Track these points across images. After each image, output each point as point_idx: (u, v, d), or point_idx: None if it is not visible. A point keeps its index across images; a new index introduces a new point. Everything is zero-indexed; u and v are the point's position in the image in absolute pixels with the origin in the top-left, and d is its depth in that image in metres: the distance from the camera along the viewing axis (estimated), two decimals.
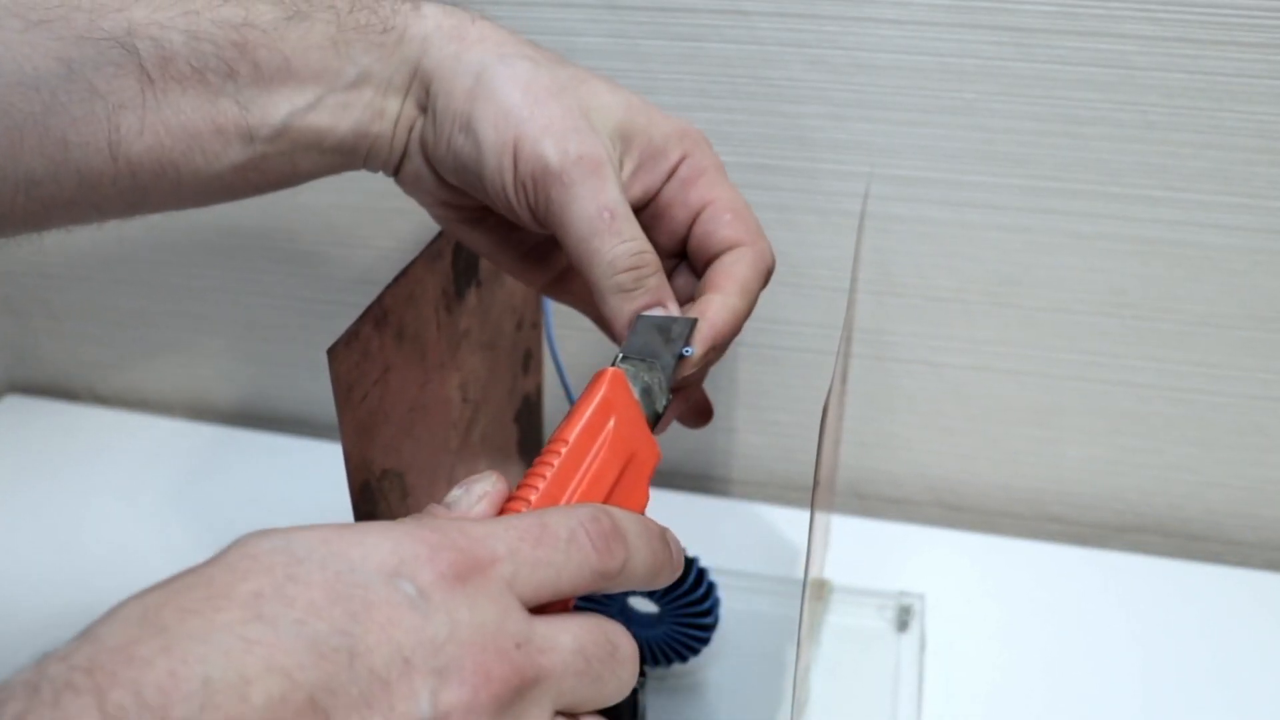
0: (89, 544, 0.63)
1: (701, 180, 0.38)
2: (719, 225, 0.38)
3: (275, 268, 0.70)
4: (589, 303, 0.39)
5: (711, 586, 0.49)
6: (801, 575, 0.59)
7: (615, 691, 0.29)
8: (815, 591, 0.53)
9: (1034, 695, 0.53)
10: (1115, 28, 0.52)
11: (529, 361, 0.57)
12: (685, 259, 0.40)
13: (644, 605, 0.50)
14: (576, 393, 0.35)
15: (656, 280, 0.36)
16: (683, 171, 0.38)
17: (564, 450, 0.32)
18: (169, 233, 0.71)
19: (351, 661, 0.24)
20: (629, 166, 0.37)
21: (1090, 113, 0.54)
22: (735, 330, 0.37)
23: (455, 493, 0.31)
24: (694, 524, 0.48)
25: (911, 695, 0.52)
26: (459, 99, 0.35)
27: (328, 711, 0.23)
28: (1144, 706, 0.53)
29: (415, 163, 0.37)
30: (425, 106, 0.36)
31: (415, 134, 0.37)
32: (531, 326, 0.56)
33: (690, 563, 0.48)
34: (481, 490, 0.31)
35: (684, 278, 0.40)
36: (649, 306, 0.36)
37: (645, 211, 0.38)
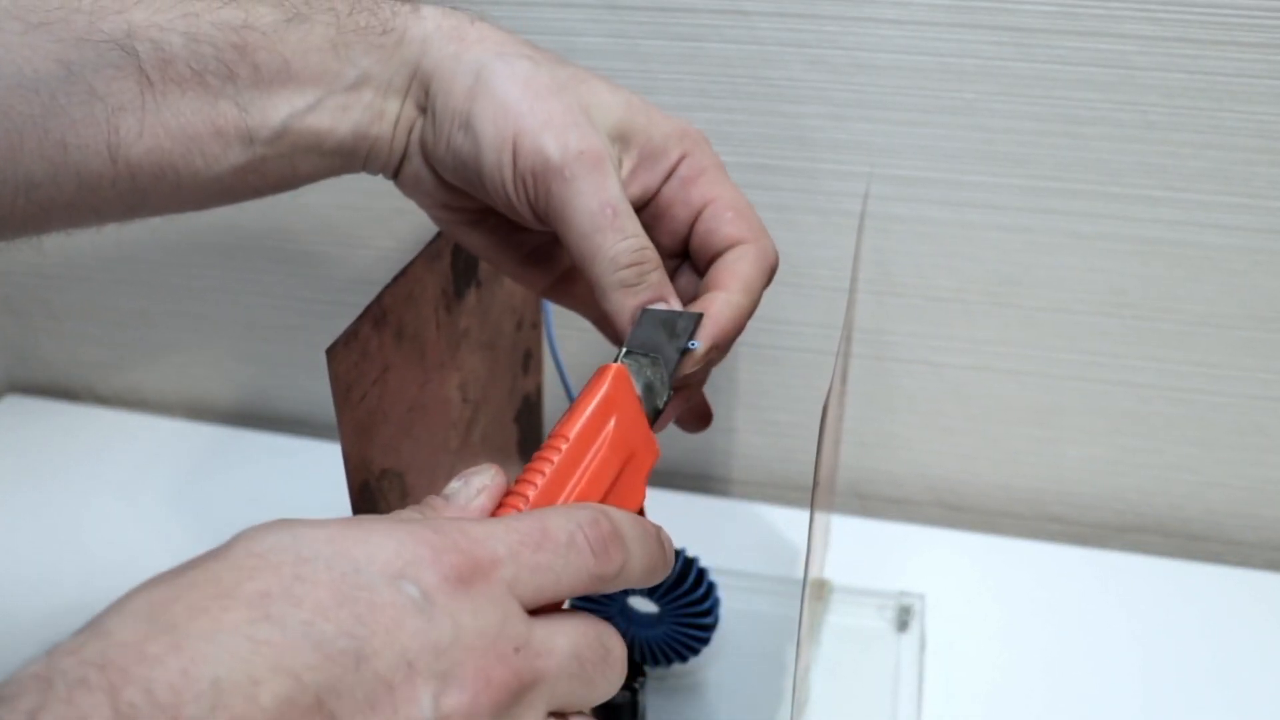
0: (89, 544, 0.63)
1: (702, 179, 0.38)
2: (721, 223, 0.38)
3: (275, 268, 0.70)
4: (589, 304, 0.39)
5: (711, 586, 0.49)
6: (801, 575, 0.59)
7: (605, 692, 0.29)
8: (815, 591, 0.53)
9: (1034, 695, 0.53)
10: (1115, 28, 0.52)
11: (529, 361, 0.57)
12: (688, 259, 0.40)
13: (644, 605, 0.50)
14: (576, 393, 0.35)
15: (658, 276, 0.36)
16: (683, 171, 0.38)
17: (564, 447, 0.32)
18: (169, 233, 0.71)
19: (358, 664, 0.24)
20: (628, 165, 0.37)
21: (1090, 113, 0.54)
22: (739, 327, 0.37)
23: (454, 485, 0.31)
24: (694, 524, 0.48)
25: (911, 695, 0.52)
26: (458, 97, 0.35)
27: (334, 714, 0.23)
28: (1144, 706, 0.53)
29: (415, 164, 0.37)
30: (425, 108, 0.36)
31: (415, 135, 0.37)
32: (531, 326, 0.56)
33: (690, 563, 0.48)
34: (480, 484, 0.31)
35: (687, 278, 0.40)
36: (651, 302, 0.36)
37: (646, 212, 0.38)
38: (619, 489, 0.34)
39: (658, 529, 0.33)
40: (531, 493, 0.31)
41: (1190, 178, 0.55)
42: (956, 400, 0.64)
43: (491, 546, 0.27)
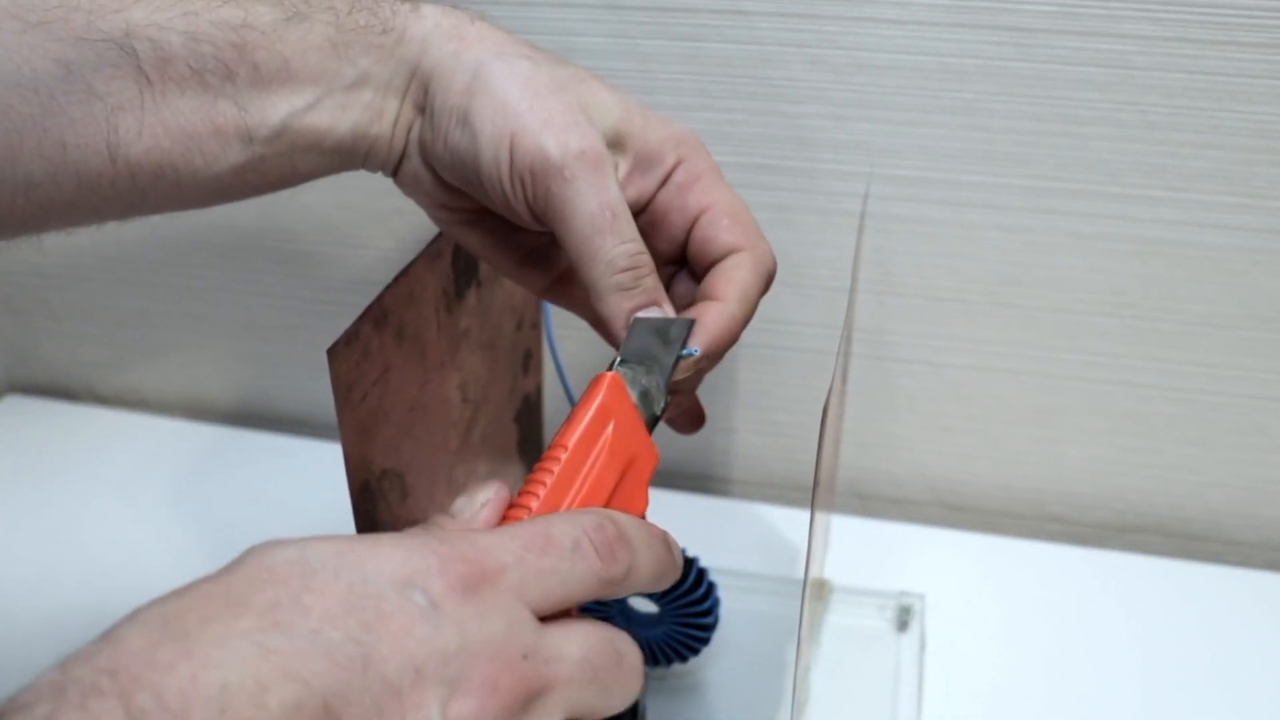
0: (89, 544, 0.63)
1: (698, 185, 0.38)
2: (718, 230, 0.37)
3: (275, 268, 0.70)
4: (587, 306, 0.39)
5: (711, 586, 0.49)
6: (801, 575, 0.59)
7: (621, 700, 0.29)
8: (815, 591, 0.53)
9: (1034, 695, 0.53)
10: (1115, 28, 0.52)
11: (529, 361, 0.57)
12: (685, 265, 0.40)
13: (644, 605, 0.50)
14: (577, 393, 0.36)
15: (653, 281, 0.36)
16: (679, 176, 0.38)
17: (563, 456, 0.32)
18: (169, 233, 0.71)
19: (365, 670, 0.24)
20: (623, 168, 0.37)
21: (1090, 113, 0.54)
22: (733, 338, 0.37)
23: (459, 502, 0.32)
24: (694, 524, 0.48)
25: (911, 695, 0.52)
26: (456, 94, 0.35)
27: (341, 719, 0.23)
28: (1144, 706, 0.53)
29: (414, 163, 0.37)
30: (423, 107, 0.36)
31: (414, 134, 0.37)
32: (531, 326, 0.56)
33: (690, 563, 0.48)
34: (484, 498, 0.32)
35: (684, 284, 0.40)
36: (645, 306, 0.36)
37: (641, 218, 0.38)
38: (621, 496, 0.34)
39: (664, 533, 0.33)
40: (534, 503, 0.31)
41: (1190, 178, 0.55)
42: (956, 400, 0.64)
43: (497, 554, 0.28)
